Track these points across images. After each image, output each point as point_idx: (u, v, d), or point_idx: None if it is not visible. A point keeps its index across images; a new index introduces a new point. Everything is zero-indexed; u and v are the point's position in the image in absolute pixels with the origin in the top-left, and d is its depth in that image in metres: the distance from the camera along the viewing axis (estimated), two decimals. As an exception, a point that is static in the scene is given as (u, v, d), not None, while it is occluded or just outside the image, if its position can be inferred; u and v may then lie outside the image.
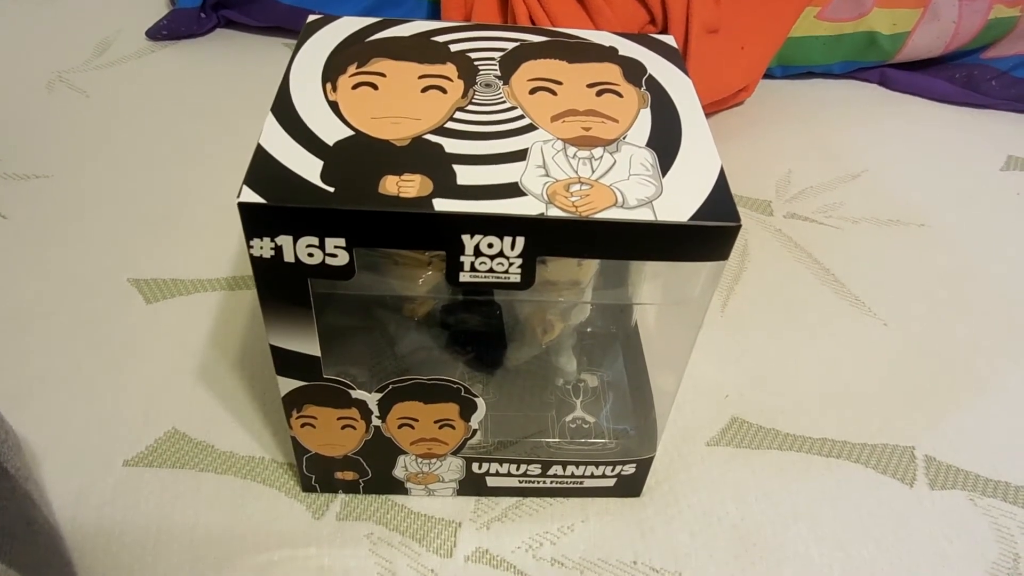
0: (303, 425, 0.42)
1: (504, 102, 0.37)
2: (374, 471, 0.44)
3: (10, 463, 0.40)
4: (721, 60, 0.74)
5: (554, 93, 0.38)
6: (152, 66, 0.82)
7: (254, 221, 0.32)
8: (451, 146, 0.35)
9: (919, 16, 0.80)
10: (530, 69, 0.39)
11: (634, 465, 0.45)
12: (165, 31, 0.85)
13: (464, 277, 0.34)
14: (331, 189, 0.32)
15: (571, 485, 0.46)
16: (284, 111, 0.36)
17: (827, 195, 0.71)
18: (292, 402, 0.40)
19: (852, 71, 0.86)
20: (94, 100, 0.76)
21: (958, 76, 0.83)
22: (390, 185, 0.32)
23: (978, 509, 0.48)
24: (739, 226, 0.33)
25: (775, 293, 0.61)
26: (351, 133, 0.35)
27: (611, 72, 0.40)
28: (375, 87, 0.37)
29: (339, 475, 0.45)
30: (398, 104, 0.37)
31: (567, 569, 0.44)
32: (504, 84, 0.38)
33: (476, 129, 0.36)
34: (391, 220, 0.32)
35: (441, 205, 0.32)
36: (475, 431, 0.42)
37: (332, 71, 0.38)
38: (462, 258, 0.33)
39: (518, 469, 0.45)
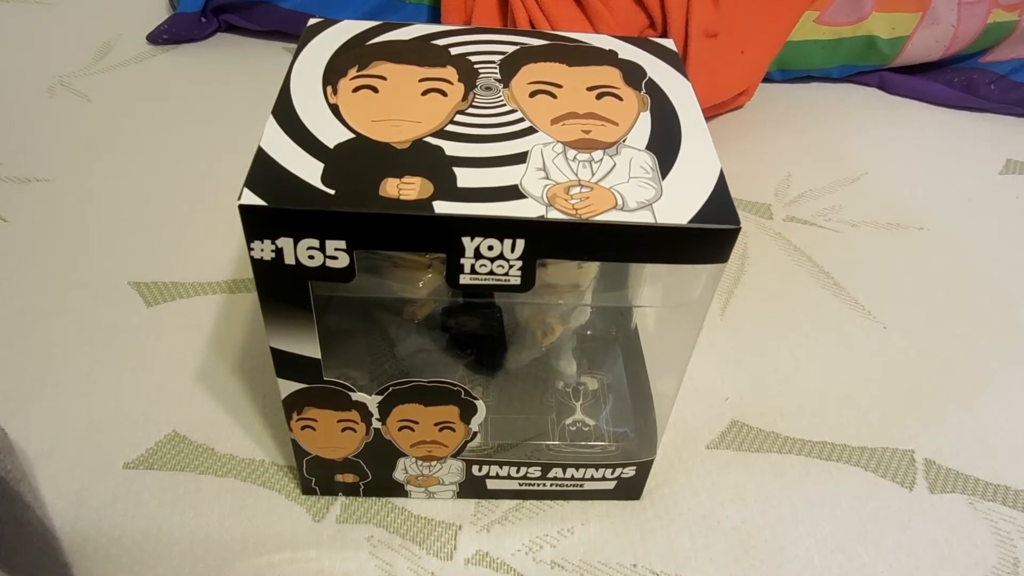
0: (303, 427, 0.42)
1: (504, 105, 0.37)
2: (374, 474, 0.45)
3: (1, 465, 0.40)
4: (720, 64, 0.74)
5: (554, 96, 0.38)
6: (153, 70, 0.82)
7: (255, 223, 0.32)
8: (451, 149, 0.35)
9: (918, 20, 0.80)
10: (530, 72, 0.40)
11: (634, 468, 0.45)
12: (166, 35, 0.85)
13: (464, 280, 0.34)
14: (332, 191, 0.32)
15: (571, 488, 0.46)
16: (285, 114, 0.36)
17: (826, 198, 0.71)
18: (292, 404, 0.40)
19: (851, 75, 0.86)
20: (95, 104, 0.76)
21: (957, 80, 0.83)
22: (390, 188, 0.33)
23: (978, 513, 0.48)
24: (738, 229, 0.33)
25: (775, 296, 0.61)
26: (351, 136, 0.35)
27: (611, 75, 0.40)
28: (375, 90, 0.38)
29: (339, 478, 0.45)
30: (398, 107, 0.37)
31: (567, 572, 0.44)
32: (504, 87, 0.38)
33: (476, 132, 0.36)
34: (391, 223, 0.32)
35: (441, 208, 0.32)
36: (475, 433, 0.42)
37: (333, 74, 0.38)
38: (462, 260, 0.33)
39: (518, 472, 0.45)
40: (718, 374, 0.55)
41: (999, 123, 0.82)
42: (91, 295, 0.57)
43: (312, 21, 0.43)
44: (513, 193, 0.33)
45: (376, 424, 0.41)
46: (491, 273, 0.34)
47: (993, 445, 0.52)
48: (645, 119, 0.37)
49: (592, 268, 0.41)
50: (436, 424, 0.41)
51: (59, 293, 0.57)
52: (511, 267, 0.34)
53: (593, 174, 0.34)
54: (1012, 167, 0.76)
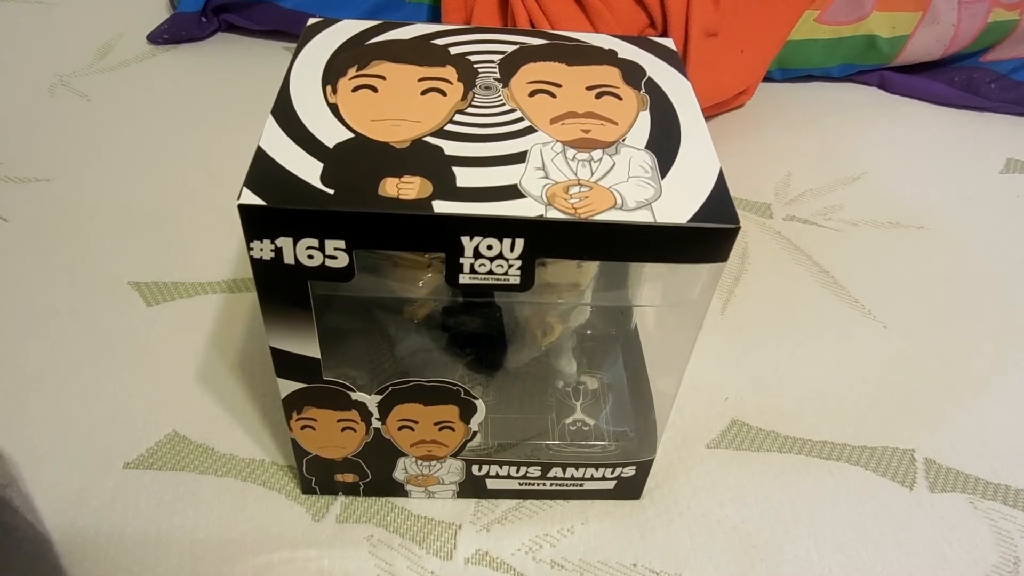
0: (303, 427, 0.42)
1: (504, 104, 0.37)
2: (374, 473, 0.45)
3: None
4: (721, 63, 0.74)
5: (553, 96, 0.38)
6: (153, 70, 0.82)
7: (254, 223, 0.32)
8: (451, 148, 0.35)
9: (918, 19, 0.80)
10: (530, 72, 0.40)
11: (634, 467, 0.45)
12: (166, 35, 0.85)
13: (464, 279, 0.34)
14: (331, 191, 0.32)
15: (571, 487, 0.46)
16: (284, 114, 0.36)
17: (826, 197, 0.71)
18: (292, 404, 0.40)
19: (851, 74, 0.86)
20: (95, 104, 0.76)
21: (957, 79, 0.83)
22: (390, 187, 0.33)
23: (978, 512, 0.48)
24: (738, 228, 0.33)
25: (775, 295, 0.61)
26: (351, 135, 0.35)
27: (610, 75, 0.40)
28: (375, 90, 0.38)
29: (339, 477, 0.45)
30: (398, 106, 0.37)
31: (567, 571, 0.44)
32: (504, 86, 0.38)
33: (476, 131, 0.36)
34: (391, 222, 0.32)
35: (441, 207, 0.32)
36: (475, 433, 0.42)
37: (332, 74, 0.38)
38: (462, 260, 0.33)
39: (518, 471, 0.45)
40: (718, 373, 0.55)
41: (1000, 122, 0.82)
42: (91, 295, 0.57)
43: (312, 21, 0.42)
44: (512, 192, 0.33)
45: (376, 424, 0.41)
46: (490, 272, 0.34)
47: (993, 444, 0.52)
48: (644, 118, 0.37)
49: (592, 267, 0.41)
50: (436, 424, 0.41)
51: (59, 293, 0.57)
52: (510, 266, 0.34)
53: (592, 173, 0.34)
54: (1013, 166, 0.76)
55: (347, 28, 0.42)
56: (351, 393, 0.40)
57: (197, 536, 0.44)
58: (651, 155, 0.35)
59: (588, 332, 0.52)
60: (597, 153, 0.35)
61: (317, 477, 0.45)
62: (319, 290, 0.35)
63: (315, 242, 0.33)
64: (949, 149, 0.78)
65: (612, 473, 0.45)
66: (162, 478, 0.46)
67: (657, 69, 0.41)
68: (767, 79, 0.84)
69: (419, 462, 0.44)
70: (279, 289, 0.35)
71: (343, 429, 0.42)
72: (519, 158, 0.34)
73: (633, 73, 0.40)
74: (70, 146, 0.71)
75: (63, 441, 0.48)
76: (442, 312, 0.46)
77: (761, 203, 0.70)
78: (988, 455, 0.51)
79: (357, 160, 0.34)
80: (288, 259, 0.33)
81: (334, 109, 0.36)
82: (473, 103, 0.37)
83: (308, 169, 0.33)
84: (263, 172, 0.33)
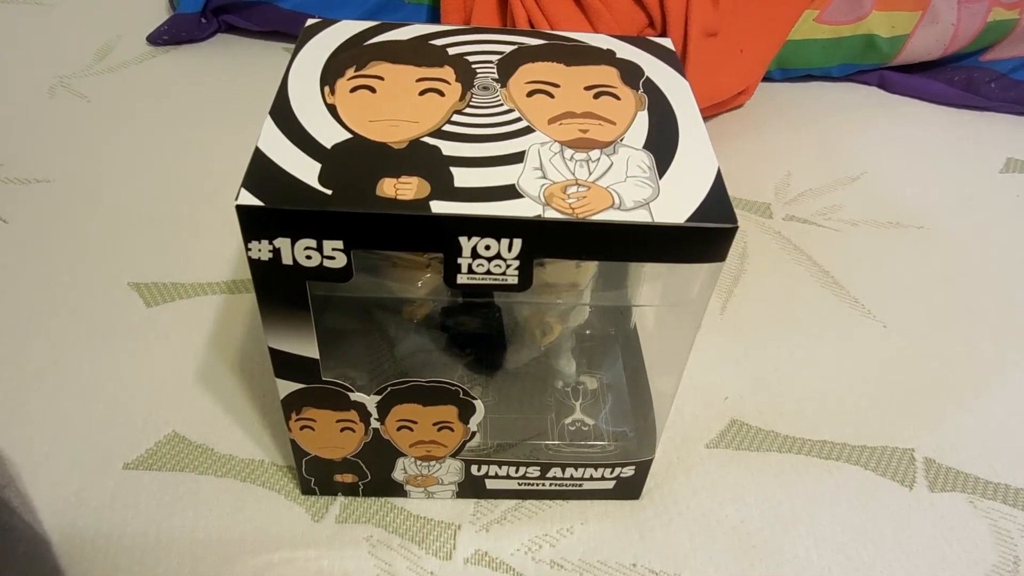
0: (302, 428, 0.42)
1: (502, 105, 0.37)
2: (373, 473, 0.45)
3: None
4: (720, 63, 0.74)
5: (552, 96, 0.38)
6: (153, 71, 0.82)
7: (252, 224, 0.32)
8: (449, 148, 0.35)
9: (918, 19, 0.80)
10: (528, 72, 0.40)
11: (633, 467, 0.45)
12: (166, 36, 0.85)
13: (462, 279, 0.34)
14: (329, 192, 0.32)
15: (570, 487, 0.46)
16: (282, 114, 0.36)
17: (826, 197, 0.71)
18: (291, 405, 0.40)
19: (851, 74, 0.86)
20: (95, 105, 0.76)
21: (957, 78, 0.83)
22: (388, 187, 0.33)
23: (978, 511, 0.48)
24: (736, 227, 0.33)
25: (774, 295, 0.61)
26: (349, 136, 0.35)
27: (609, 75, 0.40)
28: (373, 90, 0.38)
29: (338, 478, 0.45)
30: (396, 107, 0.37)
31: (566, 571, 0.44)
32: (502, 87, 0.38)
33: (474, 132, 0.36)
34: (389, 222, 0.32)
35: (438, 207, 0.32)
36: (474, 433, 0.42)
37: (330, 74, 0.38)
38: (460, 260, 0.33)
39: (517, 471, 0.45)
40: (717, 373, 0.55)
41: (999, 122, 0.82)
42: (91, 295, 0.57)
43: (310, 21, 0.43)
44: (510, 192, 0.33)
45: (375, 424, 0.41)
46: (488, 273, 0.34)
47: (993, 444, 0.52)
48: (643, 118, 0.37)
49: (590, 267, 0.41)
50: (435, 424, 0.41)
51: (59, 293, 0.57)
52: (508, 267, 0.34)
53: (590, 173, 0.34)
54: (1012, 166, 0.76)
55: (345, 29, 0.42)
56: (350, 393, 0.40)
57: (197, 536, 0.44)
58: (649, 155, 0.35)
59: (587, 332, 0.52)
60: (595, 153, 0.35)
61: (316, 477, 0.45)
62: (318, 290, 0.35)
63: (313, 242, 0.33)
64: (949, 149, 0.78)
65: (611, 473, 0.45)
66: (162, 478, 0.46)
67: (656, 69, 0.41)
68: (767, 79, 0.84)
69: (418, 462, 0.44)
70: (277, 289, 0.35)
71: (342, 429, 0.42)
72: (517, 158, 0.34)
73: (631, 73, 0.40)
74: (70, 147, 0.71)
75: (63, 441, 0.48)
76: (441, 312, 0.46)
77: (761, 203, 0.70)
78: (988, 455, 0.51)
79: (355, 160, 0.34)
80: (286, 260, 0.33)
81: (332, 110, 0.36)
82: (471, 103, 0.37)
83: (306, 170, 0.33)
84: (261, 173, 0.33)
